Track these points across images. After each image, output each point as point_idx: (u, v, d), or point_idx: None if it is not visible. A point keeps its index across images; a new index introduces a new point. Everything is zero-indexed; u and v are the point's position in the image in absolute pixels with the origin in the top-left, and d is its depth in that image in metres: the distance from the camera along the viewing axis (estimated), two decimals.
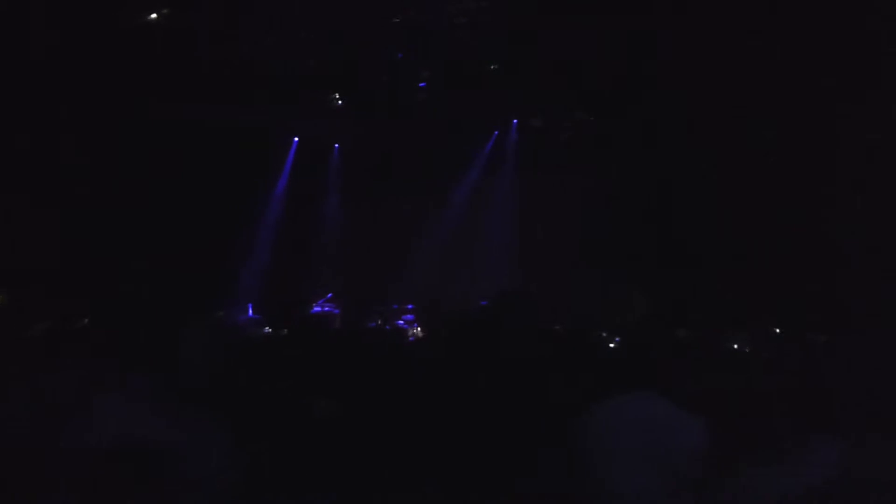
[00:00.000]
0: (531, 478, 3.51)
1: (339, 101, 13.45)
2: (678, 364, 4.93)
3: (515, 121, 14.04)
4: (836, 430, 3.04)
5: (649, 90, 11.22)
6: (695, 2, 9.74)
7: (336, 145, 14.84)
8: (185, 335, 3.70)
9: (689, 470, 3.19)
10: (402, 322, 12.59)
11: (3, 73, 9.75)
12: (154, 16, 11.12)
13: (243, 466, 3.26)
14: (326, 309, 12.92)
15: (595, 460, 3.44)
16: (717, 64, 10.29)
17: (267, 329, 10.06)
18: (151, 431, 3.08)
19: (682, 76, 10.76)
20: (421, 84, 12.75)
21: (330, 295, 13.22)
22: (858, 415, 3.02)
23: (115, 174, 11.31)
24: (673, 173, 11.80)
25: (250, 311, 12.64)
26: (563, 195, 12.53)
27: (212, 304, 10.59)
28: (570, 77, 11.81)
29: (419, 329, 12.28)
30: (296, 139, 14.47)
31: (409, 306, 12.90)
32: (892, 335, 3.39)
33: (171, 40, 11.03)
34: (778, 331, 7.76)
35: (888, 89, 8.94)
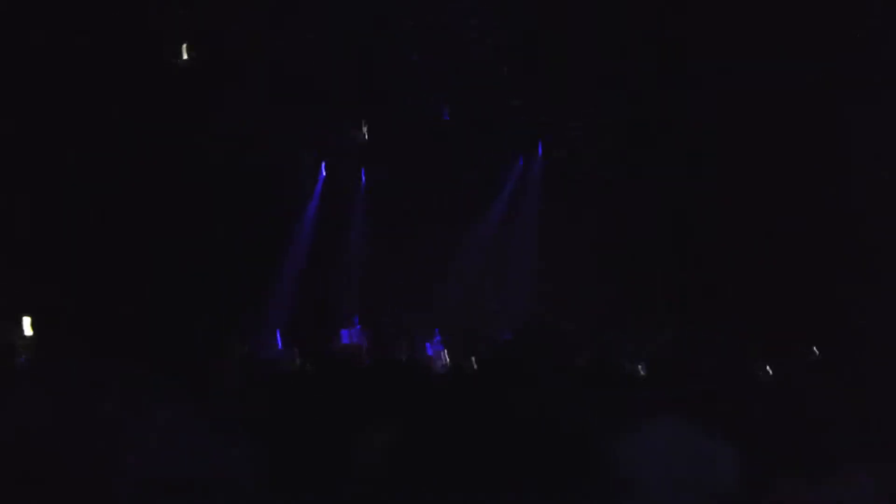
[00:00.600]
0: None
1: (366, 130, 13.59)
2: (706, 390, 4.93)
3: (540, 149, 14.08)
4: (869, 456, 3.03)
5: (672, 113, 11.23)
6: (712, 18, 9.76)
7: (363, 170, 14.92)
8: (217, 370, 3.76)
9: (720, 495, 3.19)
10: (430, 351, 12.58)
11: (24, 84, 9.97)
12: (185, 47, 11.35)
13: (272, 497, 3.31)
14: (355, 339, 12.90)
15: (626, 489, 3.44)
16: (740, 82, 10.28)
17: (297, 361, 10.10)
18: (184, 462, 3.14)
19: (706, 99, 10.76)
20: (445, 117, 12.88)
21: (356, 320, 13.21)
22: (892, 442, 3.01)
23: (144, 201, 11.44)
24: (698, 199, 11.75)
25: (279, 339, 12.69)
26: (588, 220, 12.53)
27: (240, 332, 10.68)
28: (594, 101, 11.89)
29: (446, 356, 12.29)
30: (323, 164, 14.56)
31: (437, 337, 12.89)
32: None
33: (200, 64, 11.23)
34: (811, 355, 7.69)
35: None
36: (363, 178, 14.86)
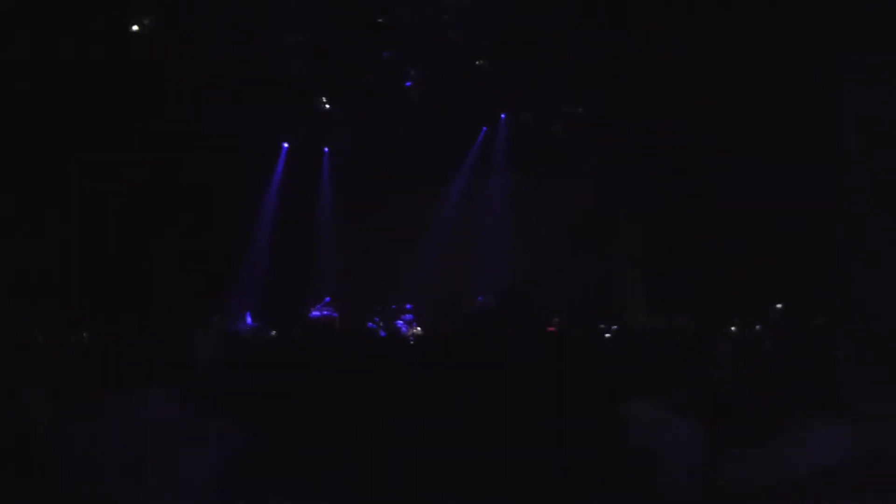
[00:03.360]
0: (533, 475, 3.55)
1: (327, 104, 13.47)
2: (678, 353, 4.98)
3: (503, 115, 14.05)
4: (840, 412, 3.09)
5: (642, 81, 11.23)
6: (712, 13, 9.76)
7: (326, 149, 14.83)
8: (188, 342, 3.74)
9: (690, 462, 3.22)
10: (400, 322, 12.65)
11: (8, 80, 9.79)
12: (145, 22, 11.14)
13: (250, 466, 3.30)
14: (325, 313, 12.93)
15: (599, 458, 3.46)
16: (713, 54, 10.30)
17: (272, 333, 10.08)
18: (160, 435, 3.12)
19: (676, 66, 10.77)
20: (407, 83, 12.78)
21: (327, 299, 13.23)
22: (862, 396, 3.07)
23: (111, 182, 11.28)
24: (668, 165, 11.79)
25: (248, 318, 12.64)
26: (556, 188, 12.57)
27: (209, 312, 10.59)
28: (559, 70, 11.85)
29: (418, 329, 12.36)
30: (285, 144, 14.44)
31: (408, 306, 12.94)
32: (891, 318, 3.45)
33: (162, 45, 11.04)
34: (778, 315, 7.80)
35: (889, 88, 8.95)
36: (325, 155, 14.79)
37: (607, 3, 10.19)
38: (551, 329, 5.54)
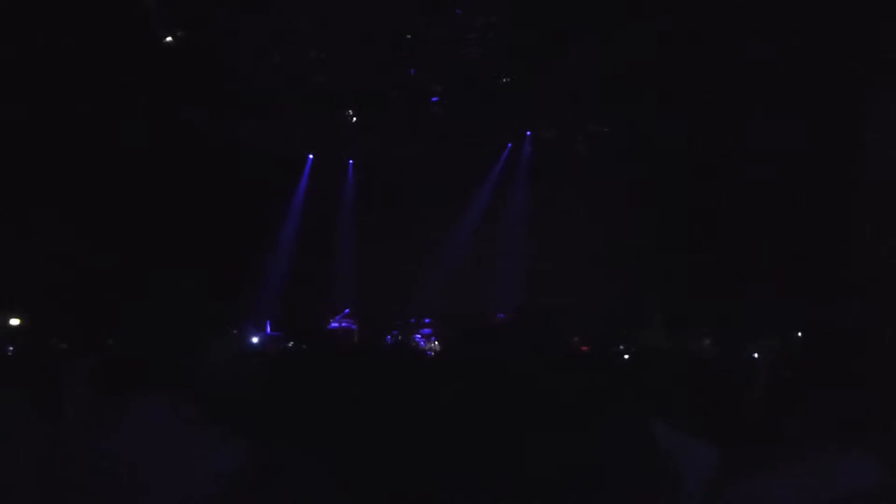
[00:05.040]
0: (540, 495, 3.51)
1: (354, 118, 13.57)
2: (695, 375, 4.93)
3: (529, 133, 14.06)
4: (861, 441, 3.04)
5: (660, 99, 11.20)
6: (704, 10, 9.73)
7: (350, 161, 14.93)
8: (204, 353, 3.74)
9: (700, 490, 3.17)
10: (419, 336, 12.65)
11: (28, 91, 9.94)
12: (170, 38, 11.30)
13: (266, 482, 3.30)
14: (344, 324, 12.97)
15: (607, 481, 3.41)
16: (730, 70, 10.26)
17: (290, 344, 10.11)
18: (168, 443, 3.12)
19: (694, 84, 10.73)
20: (433, 98, 12.84)
21: (347, 311, 13.28)
22: (885, 424, 3.02)
23: (137, 190, 11.41)
24: (688, 182, 11.72)
25: (268, 328, 12.71)
26: (576, 206, 12.54)
27: (229, 322, 10.63)
28: (581, 89, 11.86)
29: (436, 343, 12.35)
30: (310, 156, 14.56)
31: (427, 320, 12.95)
32: None
33: (187, 57, 11.20)
34: (798, 337, 7.68)
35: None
36: (350, 168, 14.89)
37: (632, 22, 10.20)
38: (584, 349, 5.49)
